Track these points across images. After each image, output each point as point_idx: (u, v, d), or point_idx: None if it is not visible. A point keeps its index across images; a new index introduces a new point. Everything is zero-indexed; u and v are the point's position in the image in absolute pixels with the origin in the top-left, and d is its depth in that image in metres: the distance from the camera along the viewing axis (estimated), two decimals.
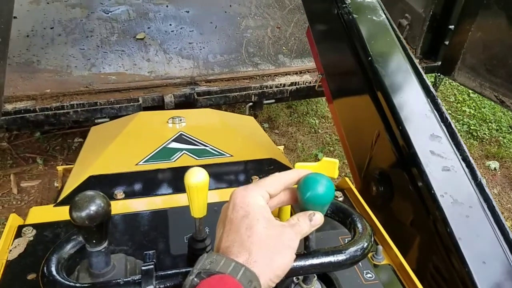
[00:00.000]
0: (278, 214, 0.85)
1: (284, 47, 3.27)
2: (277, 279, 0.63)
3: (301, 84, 2.90)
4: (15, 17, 3.34)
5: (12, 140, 3.45)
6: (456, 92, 4.45)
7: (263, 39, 3.35)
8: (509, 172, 3.60)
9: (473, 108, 4.25)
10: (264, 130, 1.93)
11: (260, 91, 2.84)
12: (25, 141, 3.48)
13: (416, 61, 1.30)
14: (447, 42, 2.91)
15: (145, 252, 0.69)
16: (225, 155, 1.46)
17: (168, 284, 0.66)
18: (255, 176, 1.29)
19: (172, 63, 2.99)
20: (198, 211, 0.77)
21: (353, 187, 1.10)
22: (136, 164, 1.37)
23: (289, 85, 2.88)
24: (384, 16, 1.41)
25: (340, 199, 1.08)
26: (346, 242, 0.92)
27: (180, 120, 1.62)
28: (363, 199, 1.09)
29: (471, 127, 3.97)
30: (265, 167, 1.36)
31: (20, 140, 3.47)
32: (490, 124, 4.06)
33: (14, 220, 0.96)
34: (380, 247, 0.90)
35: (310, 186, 0.68)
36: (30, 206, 2.97)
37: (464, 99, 4.38)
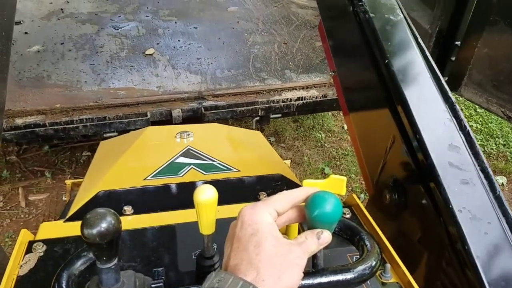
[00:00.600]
0: (285, 232, 0.85)
1: (290, 63, 3.29)
2: None
3: (307, 99, 2.92)
4: (26, 33, 3.42)
5: (21, 153, 3.48)
6: (462, 107, 4.45)
7: (270, 55, 3.38)
8: None
9: (480, 123, 4.24)
10: (271, 144, 1.93)
11: (267, 105, 2.86)
12: (34, 154, 3.51)
13: (434, 65, 1.22)
14: (453, 58, 2.92)
15: (154, 269, 0.70)
16: (232, 170, 1.47)
17: None
18: (263, 192, 1.29)
19: (180, 78, 3.03)
20: (207, 228, 0.78)
21: (360, 204, 1.10)
22: (144, 179, 1.38)
23: (295, 100, 2.90)
24: (401, 15, 1.33)
25: (348, 216, 1.08)
26: (354, 260, 0.93)
27: (188, 134, 1.63)
28: (375, 207, 1.07)
29: (478, 142, 3.94)
30: (273, 183, 1.36)
31: (28, 153, 3.50)
32: (497, 139, 4.05)
33: (25, 236, 0.97)
34: (388, 265, 0.90)
35: (318, 204, 0.68)
36: (38, 220, 3.02)
37: (470, 114, 4.37)
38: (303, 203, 0.72)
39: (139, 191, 1.26)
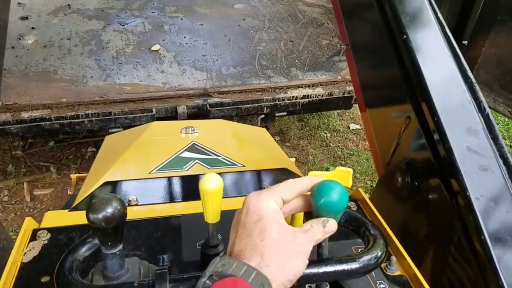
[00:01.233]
0: (290, 221, 0.85)
1: (297, 60, 3.29)
2: (289, 283, 0.63)
3: (313, 97, 2.91)
4: (33, 28, 3.44)
5: (27, 148, 3.49)
6: None
7: (276, 52, 3.37)
8: None
9: None
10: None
11: (272, 103, 2.86)
12: (39, 149, 3.52)
13: (454, 42, 1.15)
14: None
15: (158, 256, 0.70)
16: (237, 165, 1.47)
17: (181, 287, 0.66)
18: (268, 186, 1.29)
19: (185, 75, 3.03)
20: (212, 216, 0.77)
21: (366, 198, 1.09)
22: (150, 172, 1.38)
23: (301, 98, 2.90)
24: None
25: (353, 209, 1.07)
26: (359, 251, 0.93)
27: (193, 130, 1.63)
28: (385, 188, 1.05)
29: None
30: (278, 177, 1.36)
31: (34, 148, 3.51)
32: (504, 140, 4.01)
33: (29, 224, 0.98)
34: (393, 257, 0.90)
35: (324, 193, 0.68)
36: (43, 214, 3.01)
37: None
38: (309, 192, 0.72)
39: (145, 183, 1.26)
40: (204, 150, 1.53)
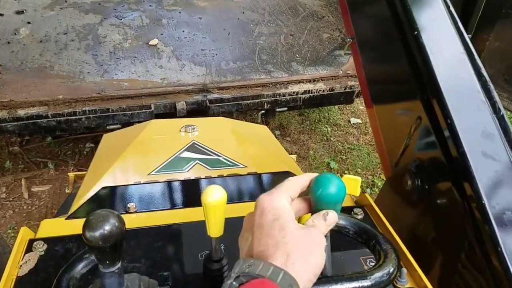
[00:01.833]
0: None
1: (297, 55, 3.24)
2: (315, 278, 0.63)
3: (314, 92, 2.87)
4: (29, 23, 3.38)
5: (24, 144, 3.45)
6: None
7: (276, 47, 3.32)
8: None
9: None
10: (276, 138, 1.89)
11: (273, 99, 2.82)
12: (37, 145, 3.48)
13: (467, 37, 1.11)
14: None
15: (159, 274, 0.67)
16: (238, 165, 1.43)
17: None
18: None
19: (184, 70, 2.98)
20: (215, 230, 0.74)
21: (373, 203, 1.05)
22: (149, 174, 1.35)
23: (302, 93, 2.85)
24: None
25: (360, 216, 1.04)
26: (368, 263, 0.90)
27: (193, 128, 1.60)
28: (394, 191, 1.01)
29: None
30: (281, 181, 1.32)
31: (31, 144, 3.47)
32: None
33: (25, 234, 0.94)
34: (404, 269, 0.86)
35: (320, 184, 0.69)
36: (41, 211, 3.00)
37: None
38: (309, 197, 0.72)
39: (144, 188, 1.23)
40: (205, 150, 1.50)
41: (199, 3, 3.86)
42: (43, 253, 0.91)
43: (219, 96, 2.74)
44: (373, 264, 0.73)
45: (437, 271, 1.02)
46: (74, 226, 1.00)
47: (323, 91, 2.87)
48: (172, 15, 3.65)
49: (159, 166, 1.39)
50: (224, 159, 1.47)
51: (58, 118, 2.47)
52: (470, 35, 2.64)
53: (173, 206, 1.15)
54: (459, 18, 2.69)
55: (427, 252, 1.05)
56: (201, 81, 2.87)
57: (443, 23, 1.12)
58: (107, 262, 0.65)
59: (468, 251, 0.94)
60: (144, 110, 2.58)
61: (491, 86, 1.03)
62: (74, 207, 1.15)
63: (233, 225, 0.75)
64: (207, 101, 2.69)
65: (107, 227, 0.62)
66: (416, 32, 1.08)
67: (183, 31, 3.43)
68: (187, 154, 1.48)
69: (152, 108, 2.59)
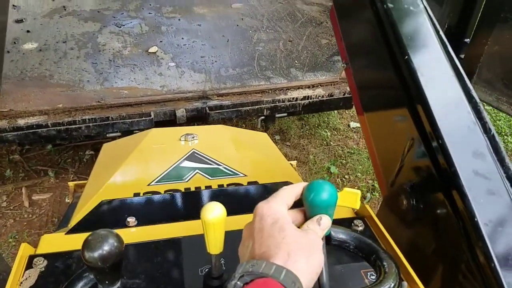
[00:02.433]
0: None
1: (296, 61, 3.24)
2: (316, 276, 0.65)
3: (313, 98, 2.87)
4: (28, 31, 3.39)
5: (24, 152, 3.45)
6: None
7: (275, 53, 3.33)
8: None
9: None
10: (276, 143, 1.90)
11: (273, 105, 2.82)
12: (37, 153, 3.48)
13: (457, 61, 1.14)
14: (462, 56, 2.87)
15: None
16: (238, 174, 1.43)
17: None
18: None
19: (184, 77, 2.98)
20: (215, 247, 0.74)
21: (373, 215, 1.05)
22: (148, 185, 1.35)
23: (301, 99, 2.86)
24: (422, 5, 1.23)
25: (360, 228, 1.03)
26: (368, 276, 0.89)
27: (193, 137, 1.60)
28: (390, 210, 1.03)
29: None
30: None
31: (32, 152, 3.47)
32: (506, 137, 3.99)
33: (25, 250, 0.94)
34: (405, 283, 0.86)
35: (312, 189, 0.72)
36: (42, 220, 3.00)
37: None
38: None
39: (143, 201, 1.23)
40: (204, 159, 1.50)
41: (198, 10, 3.87)
42: (43, 269, 0.91)
43: (219, 103, 2.75)
44: (374, 277, 0.73)
45: (438, 283, 1.02)
46: (74, 241, 0.99)
47: (322, 96, 2.87)
48: (172, 23, 3.65)
49: (159, 176, 1.39)
50: (224, 168, 1.46)
51: (58, 127, 2.47)
52: (468, 40, 2.66)
53: (173, 219, 1.15)
54: (458, 22, 2.70)
55: (425, 270, 1.05)
56: (200, 88, 2.87)
57: (432, 47, 1.15)
58: (107, 282, 0.65)
59: (464, 270, 0.95)
60: (144, 118, 2.58)
61: (481, 107, 1.05)
62: (73, 221, 1.15)
63: (233, 239, 0.75)
64: (207, 108, 2.69)
65: (106, 248, 0.62)
66: (406, 57, 1.10)
67: (182, 38, 3.44)
68: (187, 164, 1.48)
69: (152, 116, 2.59)
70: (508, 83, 2.61)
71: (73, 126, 2.50)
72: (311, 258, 0.65)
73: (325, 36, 3.59)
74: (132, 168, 1.47)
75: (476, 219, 0.88)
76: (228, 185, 1.37)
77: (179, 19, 3.71)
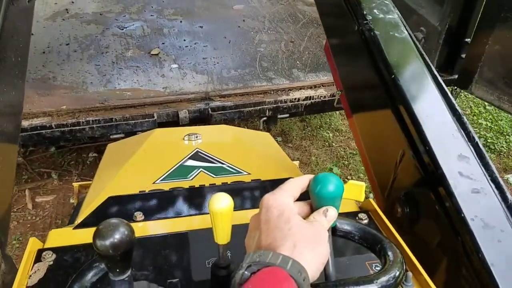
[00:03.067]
0: None
1: (298, 61, 3.26)
2: (322, 266, 0.66)
3: (315, 99, 2.88)
4: (31, 34, 3.40)
5: (28, 155, 3.46)
6: (472, 104, 4.40)
7: (277, 54, 3.34)
8: None
9: (490, 121, 4.19)
10: (278, 144, 1.91)
11: (275, 105, 2.83)
12: (40, 156, 3.49)
13: (440, 79, 1.27)
14: (463, 55, 2.88)
15: (168, 281, 0.68)
16: (242, 173, 1.44)
17: None
18: None
19: (186, 79, 3.00)
20: (222, 237, 0.75)
21: (378, 208, 1.07)
22: (154, 183, 1.36)
23: (303, 100, 2.87)
24: (406, 32, 1.38)
25: (365, 221, 1.05)
26: (373, 268, 0.90)
27: (196, 137, 1.61)
28: (388, 221, 1.06)
29: (488, 140, 3.90)
30: None
31: (35, 155, 3.48)
32: (507, 137, 4.00)
33: (33, 245, 0.95)
34: (409, 273, 0.87)
35: (319, 182, 0.73)
36: (45, 222, 3.01)
37: (480, 111, 4.32)
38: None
39: (150, 196, 1.24)
40: (208, 158, 1.51)
41: (199, 12, 3.89)
42: (52, 263, 0.92)
43: (221, 104, 2.76)
44: (378, 268, 0.74)
45: (442, 275, 1.04)
46: (82, 236, 1.01)
47: (324, 97, 2.88)
48: (173, 24, 3.67)
49: (163, 175, 1.40)
50: (228, 166, 1.48)
51: (62, 129, 2.48)
52: (469, 40, 2.67)
53: (179, 214, 1.16)
54: (458, 22, 2.72)
55: (431, 257, 1.08)
56: (203, 89, 2.89)
57: (417, 67, 1.30)
58: (117, 270, 0.66)
59: (458, 256, 1.00)
60: (147, 119, 2.59)
61: (465, 119, 1.17)
62: (81, 217, 1.16)
63: (239, 232, 0.76)
64: (209, 109, 2.70)
65: (117, 236, 0.63)
66: (393, 76, 1.23)
67: (184, 40, 3.46)
68: (191, 162, 1.49)
69: (155, 117, 2.60)
70: (509, 82, 2.61)
71: (77, 128, 2.51)
72: (317, 250, 0.65)
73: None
74: (137, 167, 1.49)
75: (463, 215, 0.95)
76: (232, 183, 1.39)
77: (180, 21, 3.72)
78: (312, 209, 0.74)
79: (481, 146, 1.10)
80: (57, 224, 2.97)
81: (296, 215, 0.69)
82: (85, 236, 0.95)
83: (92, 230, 0.64)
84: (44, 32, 3.45)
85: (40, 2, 3.85)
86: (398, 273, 0.70)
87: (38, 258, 0.93)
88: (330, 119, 4.10)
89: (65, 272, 0.89)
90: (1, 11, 1.31)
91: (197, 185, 1.35)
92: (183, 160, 1.49)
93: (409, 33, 1.39)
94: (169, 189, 1.30)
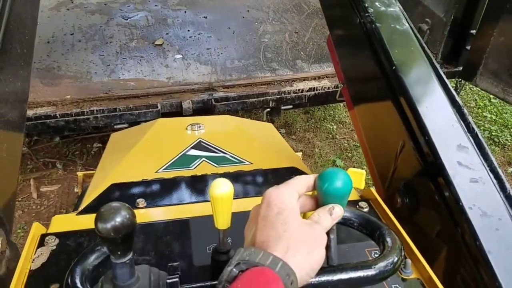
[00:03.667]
0: None
1: (302, 52, 3.25)
2: (313, 273, 0.65)
3: (319, 90, 2.88)
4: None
5: (32, 145, 3.49)
6: (476, 97, 4.38)
7: (281, 44, 3.34)
8: None
9: (495, 113, 4.17)
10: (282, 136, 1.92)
11: (278, 97, 2.83)
12: (45, 146, 3.51)
13: (441, 71, 1.28)
14: (468, 47, 2.86)
15: (169, 264, 0.69)
16: (244, 162, 1.45)
17: None
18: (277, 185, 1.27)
19: (190, 69, 3.00)
20: (223, 222, 0.76)
21: (378, 197, 1.07)
22: (156, 171, 1.37)
23: (307, 91, 2.86)
24: (407, 25, 1.39)
25: (365, 210, 1.05)
26: (372, 255, 0.91)
27: (199, 127, 1.62)
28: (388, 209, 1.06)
29: (493, 133, 3.89)
30: (286, 176, 1.34)
31: (39, 145, 3.51)
32: None
33: (37, 229, 0.96)
34: (408, 260, 0.88)
35: (327, 178, 0.71)
36: (50, 211, 3.03)
37: (485, 104, 4.30)
38: (314, 192, 0.74)
39: (152, 184, 1.25)
40: (211, 148, 1.52)
41: (204, 2, 3.88)
42: (55, 247, 0.93)
43: (225, 95, 2.76)
44: (378, 255, 0.75)
45: (442, 264, 1.05)
46: (85, 221, 1.03)
47: (328, 88, 2.88)
48: (178, 15, 3.67)
49: (166, 164, 1.41)
50: (230, 156, 1.48)
51: (66, 118, 2.50)
52: (474, 31, 2.65)
53: (181, 201, 1.17)
54: (463, 14, 2.70)
55: (431, 246, 1.09)
56: (206, 80, 2.89)
57: (418, 59, 1.30)
58: (119, 253, 0.67)
59: (456, 244, 1.01)
60: (150, 110, 2.60)
61: (465, 110, 1.18)
62: (84, 203, 1.17)
63: (240, 220, 0.77)
64: (213, 99, 2.71)
65: (118, 219, 0.64)
66: (394, 67, 1.24)
67: (188, 31, 3.46)
68: (194, 152, 1.50)
69: (159, 107, 2.61)
70: None
71: (81, 117, 2.52)
72: (311, 255, 0.65)
73: None
74: (140, 155, 1.50)
75: (461, 203, 0.96)
76: (234, 172, 1.39)
77: (185, 11, 3.72)
78: (316, 206, 0.74)
79: (480, 136, 1.11)
80: (61, 213, 3.00)
81: (295, 216, 0.67)
82: (88, 221, 0.96)
83: (94, 216, 0.65)
84: (48, 21, 3.45)
85: None
86: (396, 259, 0.71)
87: (41, 242, 0.94)
88: (334, 111, 4.10)
89: (68, 256, 0.90)
90: (7, 1, 1.32)
91: (199, 174, 1.35)
92: (185, 150, 1.49)
93: (410, 26, 1.39)
94: (172, 177, 1.31)
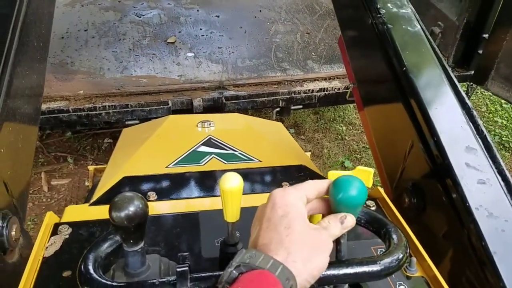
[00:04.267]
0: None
1: (313, 53, 3.26)
2: (313, 280, 0.64)
3: (330, 90, 2.88)
4: None
5: (44, 139, 3.53)
6: (488, 102, 4.35)
7: (292, 45, 3.35)
8: None
9: (506, 118, 4.14)
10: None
11: (288, 96, 2.84)
12: (57, 140, 3.56)
13: (451, 73, 1.29)
14: (480, 51, 2.85)
15: (179, 254, 0.70)
16: (254, 160, 1.46)
17: (202, 286, 0.67)
18: (286, 183, 1.28)
19: (201, 67, 3.02)
20: (231, 215, 0.78)
21: (386, 197, 1.08)
22: (167, 167, 1.39)
23: (317, 91, 2.87)
24: (419, 26, 1.40)
25: (373, 208, 1.06)
26: (378, 252, 0.92)
27: (209, 124, 1.64)
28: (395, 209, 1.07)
29: (503, 138, 3.86)
30: (296, 174, 1.35)
31: (51, 139, 3.55)
32: None
33: (50, 218, 0.99)
34: (413, 258, 0.89)
35: (342, 187, 0.68)
36: (60, 204, 3.07)
37: (496, 109, 4.27)
38: (326, 196, 0.72)
39: (163, 178, 1.27)
40: (221, 145, 1.53)
41: (216, 1, 3.91)
42: (67, 236, 0.96)
43: (235, 93, 2.78)
44: None
45: (447, 264, 1.05)
46: (97, 212, 1.05)
47: (339, 89, 2.88)
48: (190, 13, 3.70)
49: (176, 159, 1.43)
50: (240, 153, 1.50)
51: (79, 113, 2.53)
52: (486, 35, 2.65)
53: (190, 195, 1.19)
54: (476, 18, 2.70)
55: (437, 246, 1.10)
56: (217, 78, 2.91)
57: (429, 61, 1.31)
58: (131, 241, 0.69)
59: (463, 245, 1.02)
60: (162, 106, 2.62)
61: (474, 113, 1.19)
62: (97, 195, 1.20)
63: (249, 215, 0.78)
64: (223, 98, 2.73)
65: (131, 208, 0.66)
66: (404, 68, 1.25)
67: (200, 29, 3.48)
68: (204, 149, 1.51)
69: (170, 104, 2.63)
70: None
71: (94, 112, 2.55)
72: (313, 260, 0.63)
73: None
74: (150, 151, 1.52)
75: (467, 204, 0.97)
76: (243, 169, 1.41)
77: (197, 10, 3.74)
78: (326, 209, 0.72)
79: (489, 139, 1.12)
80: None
81: (300, 220, 0.66)
82: (100, 212, 0.99)
83: (106, 207, 0.67)
84: (63, 17, 3.50)
85: None
86: (401, 255, 0.72)
87: (55, 231, 0.97)
88: (344, 113, 4.10)
89: (80, 245, 0.93)
90: None
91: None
92: (195, 146, 1.51)
93: (422, 28, 1.40)
94: (182, 172, 1.34)
